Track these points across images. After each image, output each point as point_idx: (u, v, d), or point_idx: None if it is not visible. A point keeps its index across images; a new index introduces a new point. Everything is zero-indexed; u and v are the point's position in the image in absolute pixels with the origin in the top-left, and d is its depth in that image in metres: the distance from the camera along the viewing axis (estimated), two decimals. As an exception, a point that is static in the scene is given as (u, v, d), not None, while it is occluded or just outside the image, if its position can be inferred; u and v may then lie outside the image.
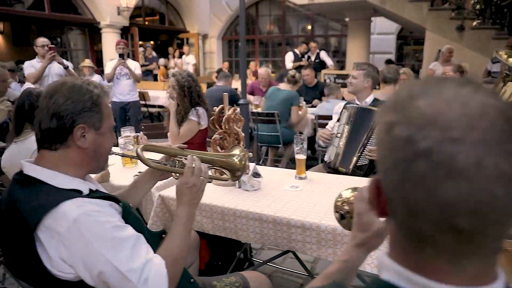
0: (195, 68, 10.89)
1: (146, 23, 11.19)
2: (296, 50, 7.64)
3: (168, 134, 2.71)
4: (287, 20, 12.05)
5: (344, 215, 1.06)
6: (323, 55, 7.79)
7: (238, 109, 1.96)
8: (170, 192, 1.84)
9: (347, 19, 8.97)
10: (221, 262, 2.26)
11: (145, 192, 1.39)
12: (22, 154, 2.00)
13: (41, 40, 4.24)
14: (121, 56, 4.92)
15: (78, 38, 10.39)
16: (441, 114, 0.41)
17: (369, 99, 2.77)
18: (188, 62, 10.39)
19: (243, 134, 2.01)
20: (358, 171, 2.40)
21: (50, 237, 0.91)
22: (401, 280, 0.47)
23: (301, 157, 2.07)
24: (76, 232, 0.90)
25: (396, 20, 7.70)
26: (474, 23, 6.00)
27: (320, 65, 7.48)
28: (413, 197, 0.43)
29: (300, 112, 4.22)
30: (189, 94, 2.62)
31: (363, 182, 1.99)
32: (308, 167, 2.20)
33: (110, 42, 8.85)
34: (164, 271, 0.98)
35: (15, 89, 4.85)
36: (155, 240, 1.16)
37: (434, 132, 0.41)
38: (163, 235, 1.22)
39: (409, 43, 11.04)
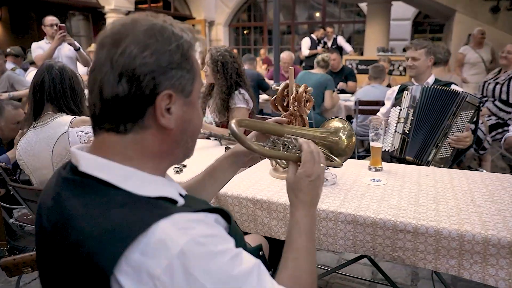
0: (202, 56, 10.46)
1: (152, 8, 10.76)
2: (313, 35, 7.25)
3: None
4: (296, 7, 11.62)
5: None
6: (341, 40, 7.42)
7: (310, 88, 1.61)
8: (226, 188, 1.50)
9: (364, 4, 8.56)
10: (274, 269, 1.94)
11: (223, 183, 1.05)
12: (43, 143, 1.67)
13: (50, 19, 3.86)
14: None
15: (80, 24, 9.96)
16: None
17: (431, 80, 2.44)
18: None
19: (307, 119, 1.67)
20: (438, 165, 2.06)
21: (137, 281, 0.54)
22: None
23: (377, 144, 1.73)
24: (183, 273, 0.54)
25: (418, 3, 7.30)
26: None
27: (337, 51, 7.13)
28: None
29: (333, 99, 3.88)
30: (224, 71, 2.25)
31: (450, 172, 1.66)
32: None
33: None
34: None
35: (20, 74, 4.48)
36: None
37: None
38: (260, 252, 0.89)
39: (425, 30, 10.64)
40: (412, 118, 2.19)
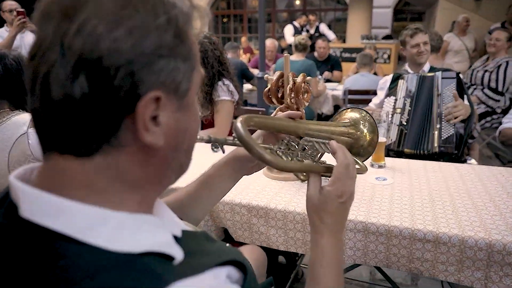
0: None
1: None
2: (296, 23, 7.06)
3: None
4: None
5: None
6: (323, 28, 7.27)
7: (309, 77, 1.43)
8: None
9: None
10: (275, 281, 1.78)
11: (221, 195, 0.84)
12: (6, 140, 1.43)
13: (9, 3, 3.49)
14: None
15: None
16: None
17: (426, 68, 2.31)
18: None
19: (304, 111, 1.49)
20: (447, 145, 1.95)
21: None
22: None
23: (380, 139, 1.57)
24: None
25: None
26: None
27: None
28: None
29: (319, 87, 3.71)
30: (203, 60, 1.97)
31: (458, 167, 1.53)
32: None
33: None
34: None
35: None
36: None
37: None
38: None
39: (405, 18, 10.60)
40: (410, 108, 2.06)
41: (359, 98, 3.12)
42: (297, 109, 1.44)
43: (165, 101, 0.43)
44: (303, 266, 2.01)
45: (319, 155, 0.74)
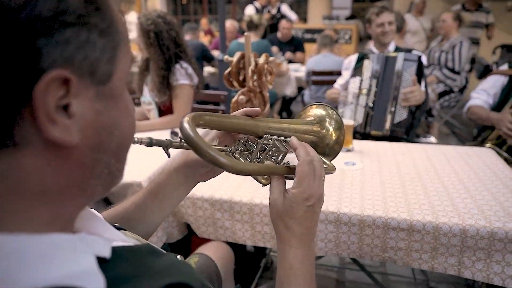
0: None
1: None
2: (256, 3, 6.87)
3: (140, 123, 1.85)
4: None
5: None
6: (285, 9, 7.11)
7: (272, 58, 1.33)
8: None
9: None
10: (236, 265, 1.71)
11: (174, 204, 0.72)
12: None
13: None
14: None
15: None
16: None
17: (392, 47, 2.27)
18: (130, 21, 9.06)
19: (267, 94, 1.40)
20: (397, 128, 1.93)
21: None
22: None
23: (348, 122, 1.52)
24: None
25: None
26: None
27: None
28: None
29: (282, 68, 3.61)
30: (158, 42, 1.81)
31: (424, 148, 1.51)
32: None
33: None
34: None
35: None
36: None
37: None
38: None
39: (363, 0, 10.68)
40: (376, 89, 2.01)
41: (323, 79, 3.06)
42: (260, 93, 1.34)
43: (77, 85, 0.32)
44: (273, 254, 1.95)
45: (281, 155, 0.64)
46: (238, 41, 3.79)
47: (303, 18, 8.66)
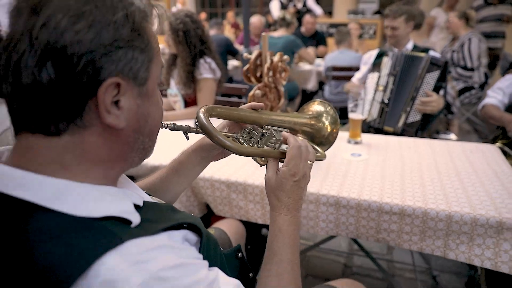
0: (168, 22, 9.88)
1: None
2: (282, -3, 6.93)
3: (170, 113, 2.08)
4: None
5: None
6: (311, 3, 7.14)
7: (286, 56, 1.46)
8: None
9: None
10: (251, 246, 1.87)
11: (191, 180, 0.90)
12: None
13: None
14: None
15: None
16: None
17: (410, 46, 2.34)
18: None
19: (283, 89, 1.53)
20: (409, 128, 2.02)
21: None
22: None
23: (357, 116, 1.63)
24: None
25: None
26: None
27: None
28: None
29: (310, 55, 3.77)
30: (186, 40, 2.00)
31: (433, 143, 1.60)
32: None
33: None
34: None
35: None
36: (231, 263, 0.72)
37: None
38: (238, 255, 0.78)
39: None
40: (393, 87, 2.10)
41: (342, 74, 3.15)
42: (275, 88, 1.48)
43: (125, 87, 0.49)
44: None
45: (279, 143, 0.79)
46: (269, 34, 3.94)
47: (329, 11, 8.64)
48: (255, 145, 0.78)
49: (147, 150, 0.57)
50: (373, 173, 1.33)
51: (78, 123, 0.47)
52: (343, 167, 1.39)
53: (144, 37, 0.51)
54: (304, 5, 7.09)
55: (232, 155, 0.80)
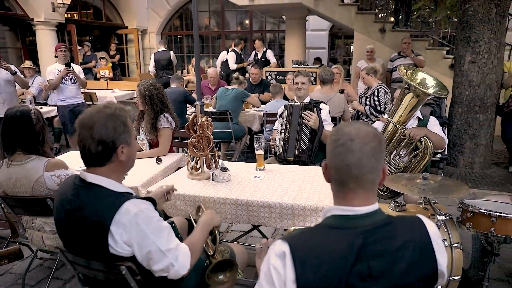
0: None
1: (83, 18, 10.79)
2: (237, 49, 8.01)
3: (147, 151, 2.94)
4: (225, 15, 12.38)
5: None
6: (269, 54, 8.18)
7: (210, 118, 2.38)
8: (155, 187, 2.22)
9: (284, 17, 9.58)
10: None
11: None
12: (23, 180, 2.03)
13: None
14: (67, 65, 4.89)
15: (7, 35, 9.62)
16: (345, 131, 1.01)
17: (308, 99, 3.34)
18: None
19: (212, 137, 2.44)
20: (303, 155, 2.96)
21: (117, 227, 1.26)
22: (338, 210, 1.01)
23: (260, 152, 2.56)
24: (135, 223, 1.27)
25: (328, 20, 8.46)
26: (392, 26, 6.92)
27: (264, 63, 7.98)
28: (334, 163, 1.01)
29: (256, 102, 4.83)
30: (151, 102, 2.90)
31: (309, 168, 2.54)
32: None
33: (45, 39, 8.51)
34: (189, 253, 1.40)
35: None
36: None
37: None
38: (173, 225, 1.62)
39: (340, 37, 12.01)
40: (289, 129, 3.06)
41: (274, 119, 4.13)
42: (206, 137, 2.38)
43: (125, 147, 1.38)
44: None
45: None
46: (224, 87, 4.90)
47: (281, 56, 9.90)
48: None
49: (131, 166, 1.45)
50: (262, 186, 2.23)
51: (111, 160, 1.35)
52: (245, 184, 2.28)
53: (127, 126, 1.38)
54: (264, 55, 8.15)
55: (184, 178, 1.67)
